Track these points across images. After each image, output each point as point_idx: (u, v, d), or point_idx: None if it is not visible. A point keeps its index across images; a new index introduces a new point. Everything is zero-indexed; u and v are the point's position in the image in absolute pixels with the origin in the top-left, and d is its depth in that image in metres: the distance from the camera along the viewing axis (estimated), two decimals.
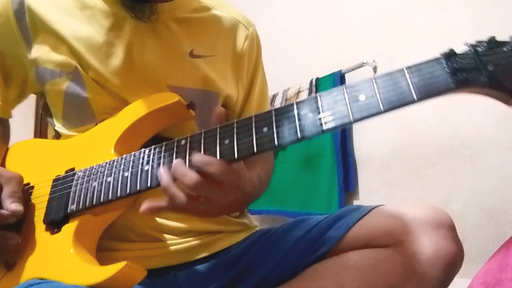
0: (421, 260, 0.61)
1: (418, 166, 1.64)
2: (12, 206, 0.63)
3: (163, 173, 0.57)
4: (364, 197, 1.82)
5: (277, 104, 2.04)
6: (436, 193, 1.58)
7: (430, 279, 0.61)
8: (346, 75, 1.87)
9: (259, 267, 0.70)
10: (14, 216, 0.63)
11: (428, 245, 0.61)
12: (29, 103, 0.83)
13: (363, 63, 1.78)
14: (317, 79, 1.94)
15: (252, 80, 0.86)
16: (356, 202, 1.84)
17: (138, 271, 0.59)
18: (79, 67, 0.71)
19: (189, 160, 0.57)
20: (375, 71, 1.79)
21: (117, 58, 0.72)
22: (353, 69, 1.83)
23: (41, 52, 0.73)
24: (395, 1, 1.79)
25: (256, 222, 0.86)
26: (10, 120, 0.83)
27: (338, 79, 1.85)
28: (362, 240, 0.65)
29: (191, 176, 0.55)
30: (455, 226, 0.64)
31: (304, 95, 1.96)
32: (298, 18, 2.23)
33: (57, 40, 0.73)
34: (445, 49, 0.51)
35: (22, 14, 0.74)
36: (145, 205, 0.57)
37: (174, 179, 0.56)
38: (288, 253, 0.69)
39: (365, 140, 1.82)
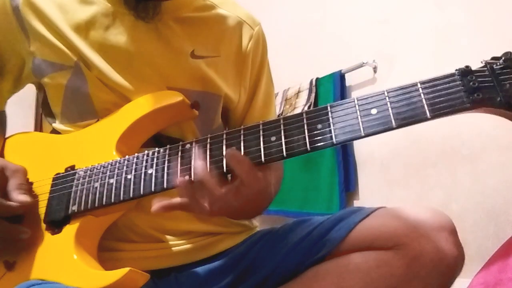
0: (422, 263, 0.61)
1: (418, 166, 1.64)
2: (20, 197, 0.63)
3: (201, 167, 0.57)
4: (364, 197, 1.82)
5: (277, 104, 2.04)
6: (436, 193, 1.58)
7: (430, 282, 0.61)
8: (346, 75, 1.87)
9: (260, 268, 0.70)
10: (22, 207, 0.63)
11: (429, 249, 0.61)
12: (29, 103, 0.83)
13: (363, 63, 1.78)
14: (317, 79, 1.94)
15: (256, 82, 0.85)
16: (356, 202, 1.84)
17: (142, 276, 0.59)
18: (80, 62, 0.71)
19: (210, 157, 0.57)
20: (375, 71, 1.79)
21: (117, 56, 0.71)
22: (353, 69, 1.83)
23: (40, 44, 0.73)
24: (395, 1, 1.79)
25: (256, 222, 0.86)
26: (11, 121, 0.82)
27: (338, 79, 1.85)
28: (363, 242, 0.65)
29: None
30: (456, 230, 0.64)
31: (304, 95, 1.96)
32: (298, 18, 2.23)
33: (54, 33, 0.72)
34: (461, 65, 0.49)
35: (17, 9, 0.73)
36: (156, 205, 0.57)
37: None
38: (289, 254, 0.69)
39: (365, 140, 1.81)
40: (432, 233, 0.62)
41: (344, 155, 1.81)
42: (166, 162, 0.61)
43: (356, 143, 1.85)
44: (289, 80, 2.06)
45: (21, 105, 0.83)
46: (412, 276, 0.61)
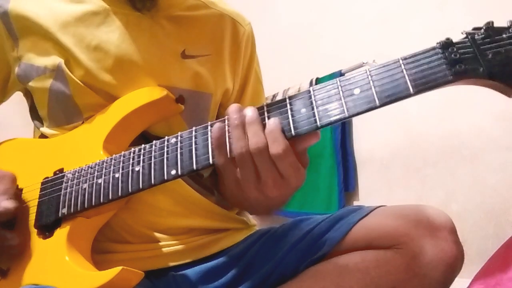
0: (422, 262, 0.61)
1: (418, 166, 1.64)
2: (4, 203, 0.62)
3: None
4: (364, 197, 1.82)
5: None
6: (436, 193, 1.58)
7: (430, 281, 0.61)
8: (346, 75, 1.86)
9: (259, 267, 0.70)
10: (6, 214, 0.62)
11: (429, 247, 0.61)
12: None
13: (363, 63, 1.78)
14: (317, 79, 1.94)
15: (245, 78, 0.85)
16: (356, 203, 1.84)
17: (135, 274, 0.58)
18: (62, 64, 0.70)
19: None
20: None
21: (107, 55, 0.71)
22: (353, 69, 1.82)
23: (26, 48, 0.72)
24: (395, 1, 1.79)
25: (254, 221, 0.85)
26: (10, 121, 0.82)
27: None
28: (362, 241, 0.65)
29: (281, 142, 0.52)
30: (455, 229, 0.64)
31: None
32: (298, 18, 2.23)
33: (42, 36, 0.71)
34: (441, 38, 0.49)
35: (6, 15, 0.72)
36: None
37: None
38: (288, 254, 0.69)
39: (365, 140, 1.82)
40: (432, 232, 0.62)
41: (344, 155, 1.81)
42: (153, 157, 0.60)
43: (356, 143, 1.85)
44: (289, 80, 2.05)
45: (21, 104, 0.82)
46: (411, 275, 0.61)
